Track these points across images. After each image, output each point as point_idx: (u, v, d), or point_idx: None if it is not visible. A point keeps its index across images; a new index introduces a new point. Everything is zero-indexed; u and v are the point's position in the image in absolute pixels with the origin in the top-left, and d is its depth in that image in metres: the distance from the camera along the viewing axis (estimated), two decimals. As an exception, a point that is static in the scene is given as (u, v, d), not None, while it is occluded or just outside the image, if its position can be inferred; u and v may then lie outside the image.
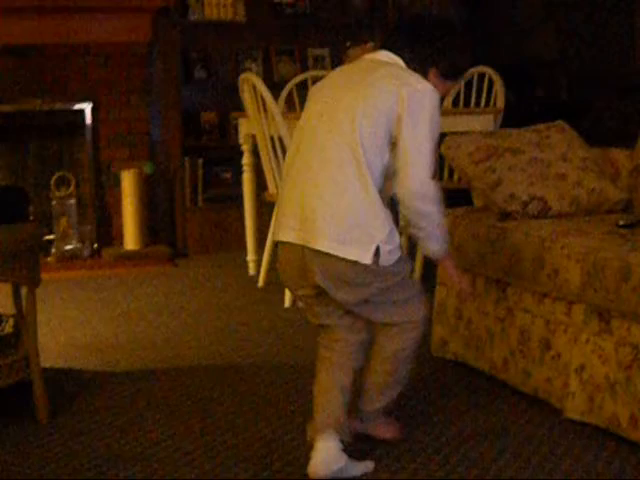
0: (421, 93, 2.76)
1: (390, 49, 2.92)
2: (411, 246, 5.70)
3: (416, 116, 2.74)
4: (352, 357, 2.96)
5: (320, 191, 2.75)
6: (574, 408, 3.25)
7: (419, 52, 2.87)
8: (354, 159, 2.72)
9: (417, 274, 5.27)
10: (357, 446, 3.00)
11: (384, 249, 2.71)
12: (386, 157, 2.76)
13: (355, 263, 2.71)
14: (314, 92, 2.99)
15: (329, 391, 2.91)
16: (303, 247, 2.77)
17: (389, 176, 2.80)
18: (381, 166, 2.76)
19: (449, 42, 2.95)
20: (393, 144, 2.77)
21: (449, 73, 2.94)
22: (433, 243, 2.89)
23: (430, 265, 4.79)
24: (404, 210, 2.81)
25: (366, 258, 2.70)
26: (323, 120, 2.83)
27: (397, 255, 2.77)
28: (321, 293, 2.85)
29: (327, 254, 2.71)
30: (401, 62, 2.88)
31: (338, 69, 3.05)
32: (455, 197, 5.55)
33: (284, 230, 2.83)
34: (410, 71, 2.85)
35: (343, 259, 2.71)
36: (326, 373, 2.95)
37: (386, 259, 2.73)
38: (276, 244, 2.91)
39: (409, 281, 2.93)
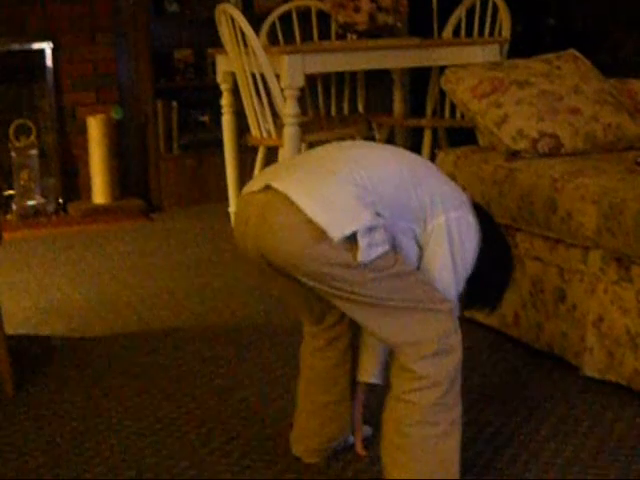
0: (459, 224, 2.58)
1: None
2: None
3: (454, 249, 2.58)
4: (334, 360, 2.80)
5: (309, 172, 2.55)
6: (592, 364, 3.28)
7: None
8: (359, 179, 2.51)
9: None
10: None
11: (363, 241, 2.38)
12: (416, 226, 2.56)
13: (320, 239, 2.37)
14: None
15: (311, 412, 2.83)
16: (266, 189, 2.49)
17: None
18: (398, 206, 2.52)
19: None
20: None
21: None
22: None
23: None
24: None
25: (336, 231, 2.36)
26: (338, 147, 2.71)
27: (381, 249, 2.42)
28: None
29: (288, 207, 2.41)
30: None
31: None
32: (458, 136, 5.57)
33: (248, 188, 2.59)
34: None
35: (308, 223, 2.38)
36: (306, 387, 2.85)
37: (364, 254, 2.38)
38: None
39: (412, 271, 2.53)
